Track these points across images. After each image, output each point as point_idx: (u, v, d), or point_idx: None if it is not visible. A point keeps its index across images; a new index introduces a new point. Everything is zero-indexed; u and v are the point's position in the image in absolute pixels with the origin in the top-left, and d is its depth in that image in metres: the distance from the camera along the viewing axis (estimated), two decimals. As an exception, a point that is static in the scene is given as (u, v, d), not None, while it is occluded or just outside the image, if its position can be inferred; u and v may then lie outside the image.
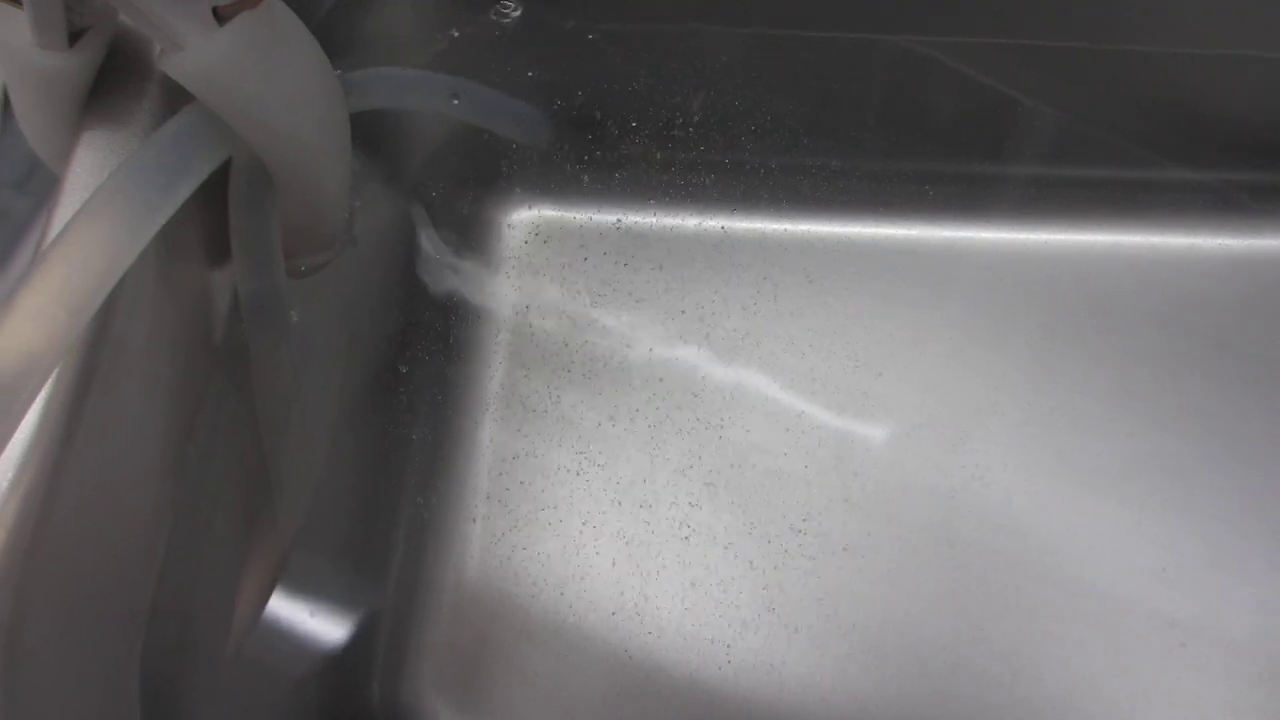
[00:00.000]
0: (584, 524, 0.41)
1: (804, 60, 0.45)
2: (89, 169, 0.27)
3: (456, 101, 0.40)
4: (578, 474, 0.42)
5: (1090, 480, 0.42)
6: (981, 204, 0.46)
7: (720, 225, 0.46)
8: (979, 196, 0.46)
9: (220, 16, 0.25)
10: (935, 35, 0.43)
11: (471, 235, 0.44)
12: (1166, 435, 0.43)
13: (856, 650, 0.40)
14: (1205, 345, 0.44)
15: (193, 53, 0.25)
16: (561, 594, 0.40)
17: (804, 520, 0.41)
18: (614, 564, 0.41)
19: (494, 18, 0.40)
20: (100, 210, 0.24)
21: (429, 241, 0.42)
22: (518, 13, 0.41)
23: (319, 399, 0.34)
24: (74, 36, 0.26)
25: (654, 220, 0.46)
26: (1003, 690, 0.39)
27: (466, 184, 0.44)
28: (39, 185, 0.48)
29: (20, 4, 0.25)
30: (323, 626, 0.35)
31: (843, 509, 0.42)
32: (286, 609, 0.34)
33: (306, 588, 0.35)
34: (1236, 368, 0.44)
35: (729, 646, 0.40)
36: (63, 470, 0.25)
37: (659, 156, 0.46)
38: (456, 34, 0.40)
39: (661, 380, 0.44)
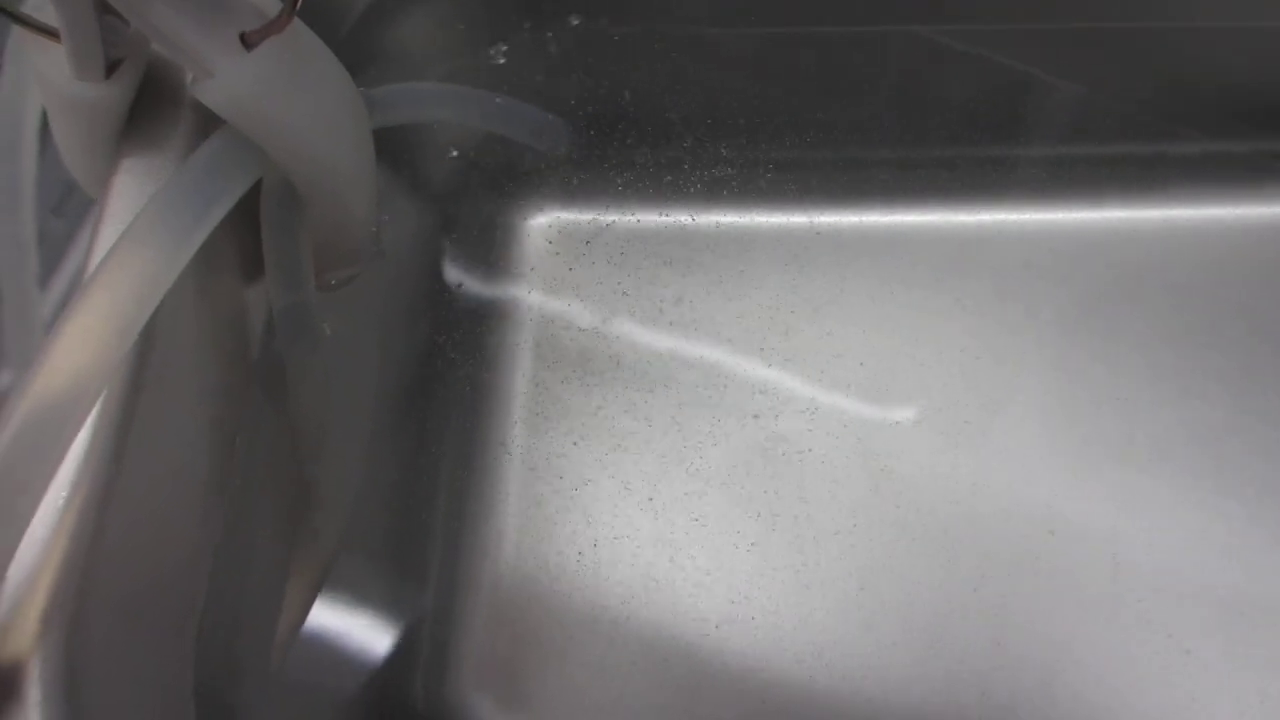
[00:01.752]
0: (616, 520, 0.42)
1: (819, 55, 0.46)
2: (128, 193, 0.28)
3: (476, 112, 0.41)
4: (609, 473, 0.43)
5: (1121, 455, 0.42)
6: (1000, 186, 0.47)
7: (742, 220, 0.46)
8: (998, 179, 0.46)
9: (248, 43, 0.26)
10: (946, 24, 0.44)
11: (495, 242, 0.45)
12: (1194, 404, 0.43)
13: (892, 636, 0.40)
14: (1228, 314, 0.44)
15: (222, 79, 0.26)
16: (596, 590, 0.41)
17: (835, 510, 0.42)
18: (647, 560, 0.41)
19: (520, 30, 0.41)
20: (140, 235, 0.25)
21: (454, 250, 0.43)
22: (535, 25, 0.41)
23: (353, 409, 0.35)
24: (110, 67, 0.27)
25: (675, 219, 0.46)
26: (1046, 675, 0.39)
27: (489, 192, 0.45)
28: (75, 208, 0.50)
29: (59, 38, 0.26)
30: (366, 633, 0.36)
31: (872, 498, 0.42)
32: (331, 617, 0.35)
33: (350, 595, 0.36)
34: (1258, 335, 0.44)
35: (766, 637, 0.40)
36: (115, 484, 0.26)
37: (678, 157, 0.46)
38: (477, 52, 0.41)
39: (687, 375, 0.44)
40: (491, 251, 0.45)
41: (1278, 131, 0.46)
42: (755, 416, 0.44)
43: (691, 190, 0.47)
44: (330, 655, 0.35)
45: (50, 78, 0.27)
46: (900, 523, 0.41)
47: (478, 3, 0.42)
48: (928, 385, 0.44)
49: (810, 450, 0.43)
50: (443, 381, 0.42)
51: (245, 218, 0.30)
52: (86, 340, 0.24)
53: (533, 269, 0.45)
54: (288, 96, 0.27)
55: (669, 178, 0.47)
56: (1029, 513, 0.41)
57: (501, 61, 0.42)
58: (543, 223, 0.46)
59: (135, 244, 0.25)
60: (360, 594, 0.36)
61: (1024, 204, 0.46)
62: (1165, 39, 0.44)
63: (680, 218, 0.46)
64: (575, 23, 0.44)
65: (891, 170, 0.47)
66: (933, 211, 0.46)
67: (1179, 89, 0.45)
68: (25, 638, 0.24)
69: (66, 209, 0.49)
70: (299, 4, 0.26)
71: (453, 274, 0.43)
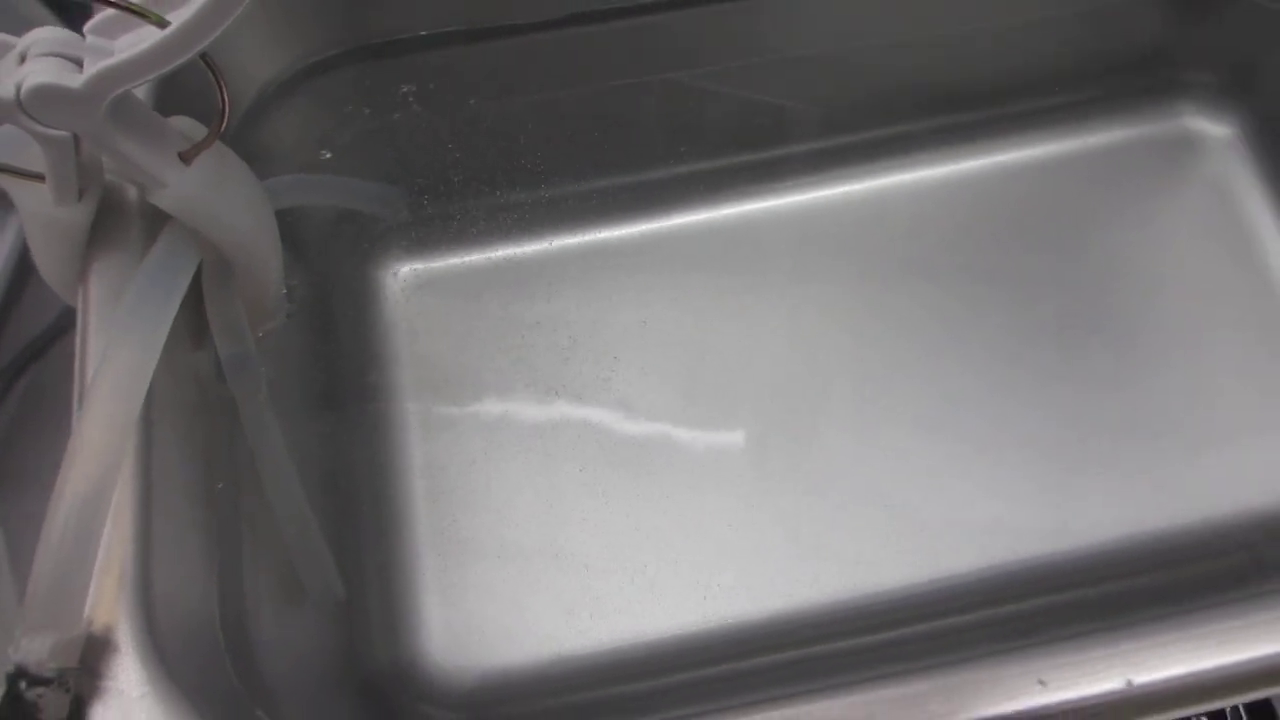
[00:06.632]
0: (496, 499, 0.52)
1: (596, 105, 0.57)
2: (102, 286, 0.37)
3: (334, 193, 0.51)
4: (487, 463, 0.53)
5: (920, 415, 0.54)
6: (766, 181, 0.59)
7: (552, 245, 0.58)
8: (763, 178, 0.59)
9: (185, 159, 0.36)
10: (696, 68, 0.56)
11: (365, 292, 0.55)
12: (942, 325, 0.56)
13: (741, 593, 0.51)
14: (942, 251, 0.57)
15: (173, 188, 0.35)
16: (490, 546, 0.51)
17: (700, 526, 0.52)
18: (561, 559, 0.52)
19: (352, 120, 0.51)
20: (124, 335, 0.34)
21: (337, 302, 0.53)
22: (367, 111, 0.52)
23: (287, 427, 0.44)
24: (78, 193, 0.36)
25: (505, 253, 0.57)
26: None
27: (352, 254, 0.55)
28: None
29: (42, 179, 0.35)
30: (334, 608, 0.46)
31: (725, 505, 0.52)
32: (301, 597, 0.44)
33: (309, 579, 0.45)
34: (969, 271, 0.57)
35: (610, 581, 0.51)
36: (148, 501, 0.35)
37: (497, 202, 0.57)
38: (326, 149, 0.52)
39: (542, 375, 0.55)
40: (362, 299, 0.54)
41: (945, 111, 0.60)
42: (590, 426, 0.54)
43: (512, 228, 0.58)
44: (309, 623, 0.44)
45: (34, 209, 0.36)
46: (752, 521, 0.52)
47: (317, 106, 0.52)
48: (745, 356, 0.55)
49: (671, 465, 0.53)
50: (344, 403, 0.52)
51: (186, 296, 0.39)
52: (111, 420, 0.33)
53: (397, 308, 0.55)
54: (220, 193, 0.37)
55: (489, 222, 0.58)
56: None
57: (350, 147, 0.52)
58: (399, 271, 0.56)
59: (122, 345, 0.34)
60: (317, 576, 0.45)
61: (787, 193, 0.59)
62: (850, 58, 0.57)
63: (509, 252, 0.57)
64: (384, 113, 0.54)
65: (670, 184, 0.59)
66: (713, 208, 0.58)
67: (872, 93, 0.59)
68: (109, 610, 0.32)
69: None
70: (224, 127, 0.36)
71: (339, 320, 0.53)
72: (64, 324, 0.56)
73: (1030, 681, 0.32)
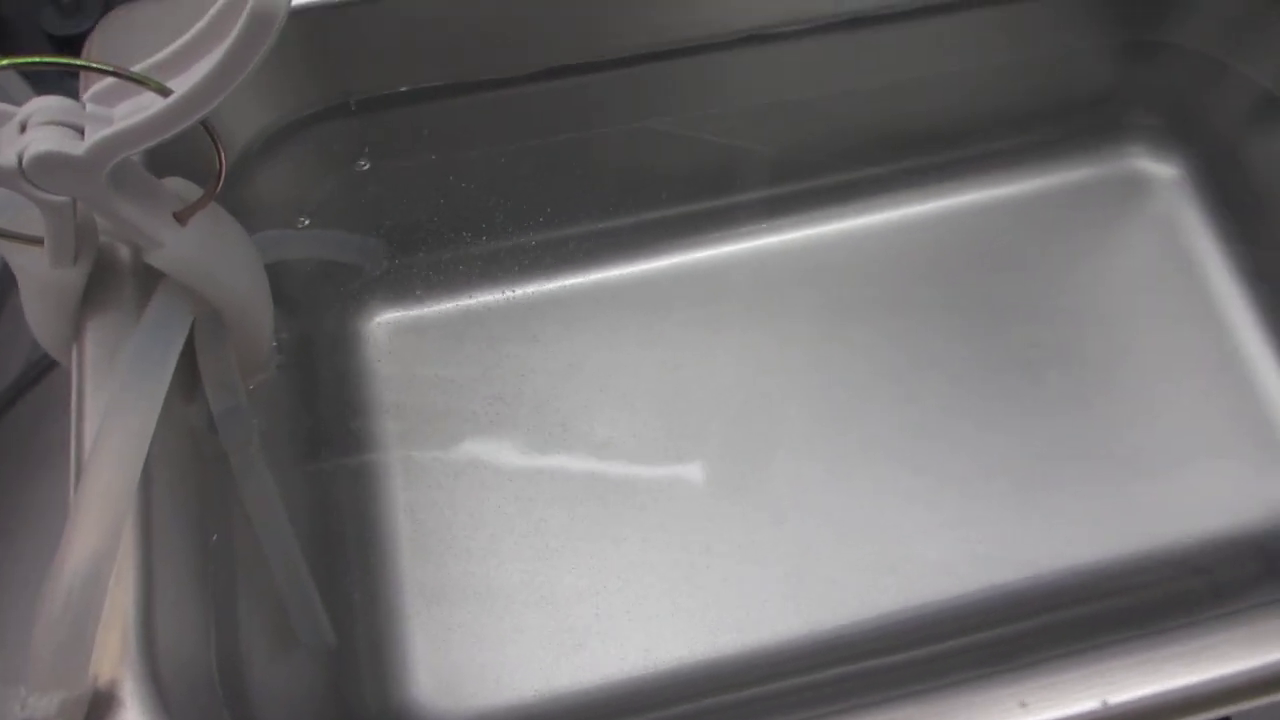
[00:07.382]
0: (480, 519, 0.53)
1: (564, 155, 0.59)
2: (96, 345, 0.38)
3: (320, 246, 0.52)
4: (473, 512, 0.54)
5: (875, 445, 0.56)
6: (735, 225, 0.60)
7: (523, 292, 0.59)
8: (733, 222, 0.60)
9: (180, 219, 0.37)
10: (668, 115, 0.58)
11: (348, 341, 0.56)
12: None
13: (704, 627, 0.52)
14: (917, 286, 0.59)
15: (169, 249, 0.36)
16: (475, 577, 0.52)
17: (680, 562, 0.53)
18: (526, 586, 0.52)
19: (332, 175, 0.52)
20: (123, 396, 0.35)
21: (322, 351, 0.54)
22: (347, 166, 0.53)
23: (276, 476, 0.45)
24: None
25: (481, 300, 0.58)
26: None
27: (336, 305, 0.56)
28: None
29: (40, 243, 0.36)
30: (318, 653, 0.46)
31: (704, 541, 0.54)
32: (292, 643, 0.44)
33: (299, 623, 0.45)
34: (945, 305, 0.59)
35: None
36: (149, 560, 0.35)
37: (473, 251, 0.59)
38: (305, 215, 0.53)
39: (521, 435, 0.56)
40: (347, 348, 0.55)
41: (908, 154, 0.62)
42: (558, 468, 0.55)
43: (485, 276, 0.59)
44: (301, 671, 0.44)
45: (31, 271, 0.36)
46: (712, 555, 0.53)
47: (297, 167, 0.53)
48: (715, 395, 0.57)
49: (634, 511, 0.54)
50: (333, 450, 0.53)
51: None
52: (113, 483, 0.33)
53: (380, 357, 0.56)
54: (215, 251, 0.38)
55: (466, 271, 0.59)
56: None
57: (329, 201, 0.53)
58: (380, 321, 0.57)
59: (122, 407, 0.34)
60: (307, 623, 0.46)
61: (757, 235, 0.60)
62: (814, 105, 0.59)
63: (486, 299, 0.59)
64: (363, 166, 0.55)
65: (635, 231, 0.60)
66: (677, 254, 0.60)
67: (835, 138, 0.61)
68: (113, 666, 0.33)
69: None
70: (219, 188, 0.37)
71: (324, 370, 0.54)
72: (29, 379, 0.56)
73: (1013, 704, 0.34)
